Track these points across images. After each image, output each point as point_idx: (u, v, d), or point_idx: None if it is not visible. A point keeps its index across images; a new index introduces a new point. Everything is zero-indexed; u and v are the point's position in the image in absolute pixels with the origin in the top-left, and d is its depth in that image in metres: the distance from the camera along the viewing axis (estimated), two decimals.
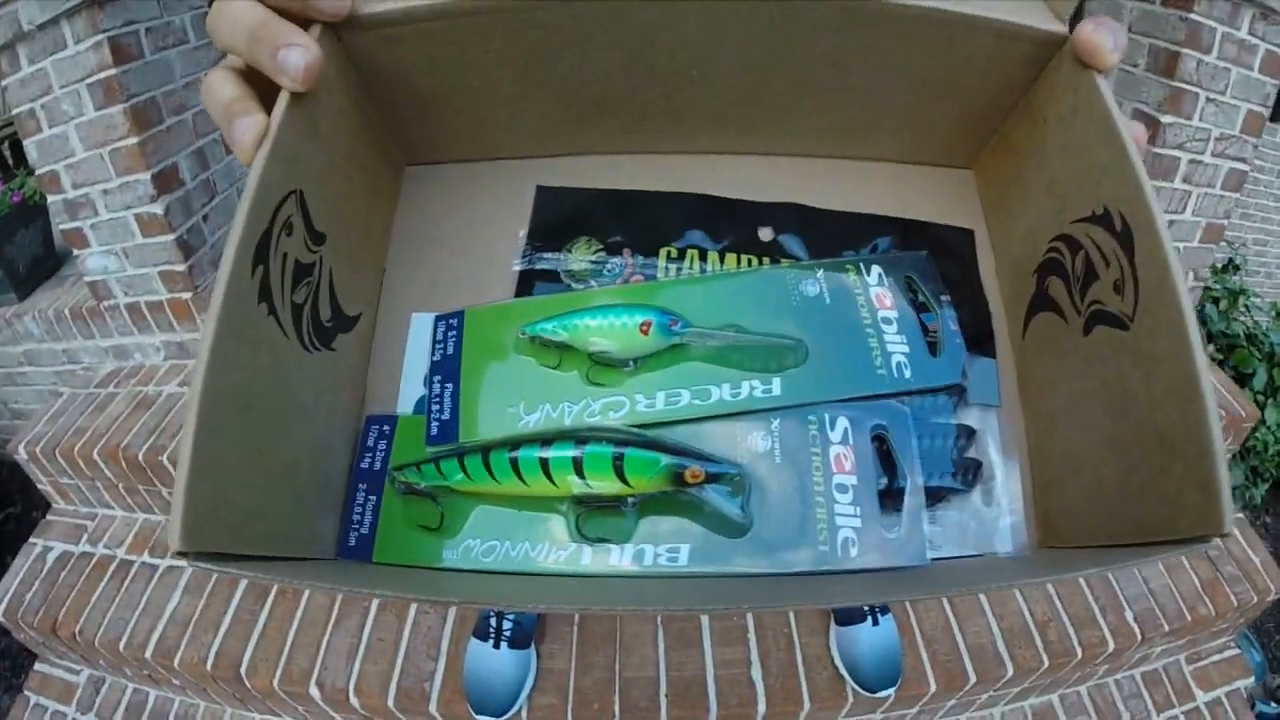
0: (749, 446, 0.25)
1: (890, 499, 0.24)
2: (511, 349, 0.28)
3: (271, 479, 0.23)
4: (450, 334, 0.28)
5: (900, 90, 0.29)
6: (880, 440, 0.25)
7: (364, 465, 0.27)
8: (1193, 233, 1.46)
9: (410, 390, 0.28)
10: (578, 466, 0.24)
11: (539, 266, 0.30)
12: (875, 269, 0.28)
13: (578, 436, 0.24)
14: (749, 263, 0.30)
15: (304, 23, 0.24)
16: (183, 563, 0.39)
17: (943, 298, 0.28)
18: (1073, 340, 0.25)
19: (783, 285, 0.28)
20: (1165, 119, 1.31)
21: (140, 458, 1.27)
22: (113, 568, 1.32)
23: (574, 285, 0.29)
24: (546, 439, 0.25)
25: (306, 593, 1.21)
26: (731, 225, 0.31)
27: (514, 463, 0.24)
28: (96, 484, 1.38)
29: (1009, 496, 0.26)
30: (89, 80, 1.23)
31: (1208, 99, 1.32)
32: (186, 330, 1.47)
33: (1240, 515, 1.40)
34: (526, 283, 0.30)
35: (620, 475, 0.23)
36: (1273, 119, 3.28)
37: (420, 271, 0.30)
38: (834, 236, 0.31)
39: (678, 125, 0.30)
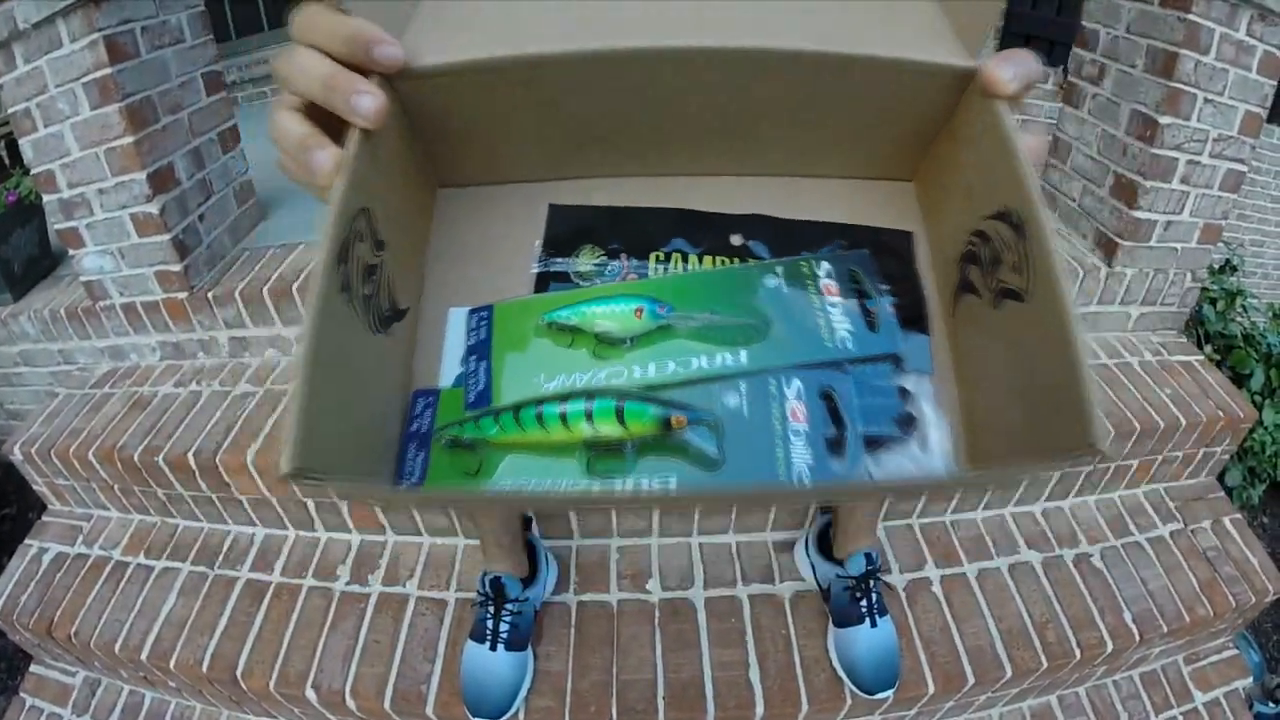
0: (723, 403, 0.31)
1: (837, 445, 0.31)
2: (533, 334, 0.34)
3: (348, 433, 0.28)
4: (482, 323, 0.35)
5: (845, 119, 0.35)
6: (829, 399, 0.32)
7: (413, 429, 0.33)
8: (1190, 233, 1.45)
9: (450, 369, 0.35)
10: (589, 416, 0.30)
11: (552, 270, 0.37)
12: (825, 265, 0.36)
13: (588, 394, 0.31)
14: (722, 263, 0.37)
15: (363, 72, 0.29)
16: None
17: (881, 287, 0.35)
18: (987, 314, 0.32)
19: (749, 279, 0.35)
20: (1163, 119, 1.30)
21: (136, 459, 1.26)
22: (108, 569, 1.32)
23: (581, 284, 0.36)
24: (563, 397, 0.31)
25: (302, 594, 1.21)
26: (708, 233, 0.38)
27: (539, 416, 0.31)
28: (92, 485, 1.37)
29: (940, 443, 0.32)
30: (85, 79, 1.22)
31: (1206, 100, 1.32)
32: (182, 331, 1.46)
33: (1238, 515, 1.40)
34: (542, 283, 0.37)
35: (621, 421, 0.30)
36: (1270, 120, 3.31)
37: (454, 274, 0.37)
38: (793, 240, 0.37)
39: (663, 153, 0.38)
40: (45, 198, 1.37)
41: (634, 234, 0.38)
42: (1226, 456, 1.44)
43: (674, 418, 0.30)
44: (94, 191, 1.32)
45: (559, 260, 0.37)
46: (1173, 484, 1.43)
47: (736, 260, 0.37)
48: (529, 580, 1.07)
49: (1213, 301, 2.04)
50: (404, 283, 0.34)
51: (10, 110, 1.30)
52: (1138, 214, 1.38)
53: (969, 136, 0.33)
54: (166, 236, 1.34)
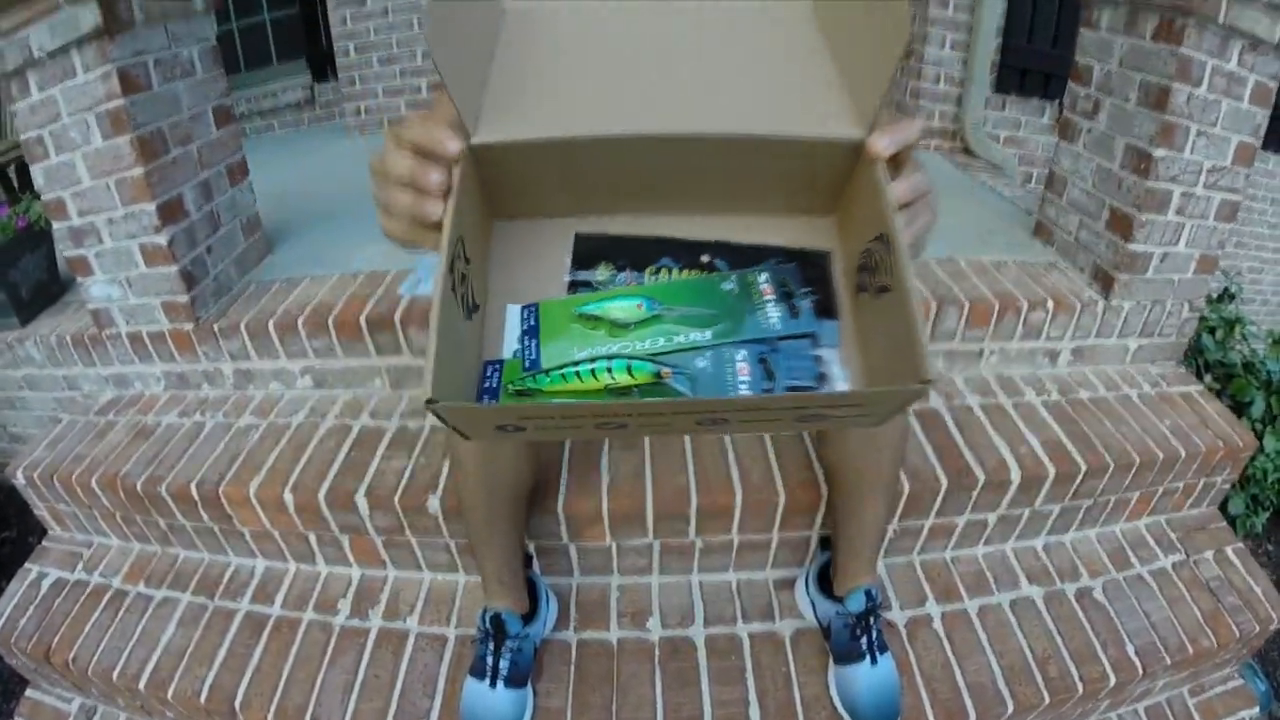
0: (694, 364, 0.48)
1: (770, 392, 0.47)
2: (568, 321, 0.51)
3: (455, 382, 0.44)
4: (531, 315, 0.52)
5: (781, 174, 0.52)
6: (764, 362, 0.49)
7: (485, 386, 0.48)
8: (1187, 264, 1.46)
9: (509, 346, 0.51)
10: (609, 370, 0.47)
11: (578, 279, 0.54)
12: (764, 274, 0.52)
13: (608, 357, 0.48)
14: (695, 274, 0.54)
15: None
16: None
17: (804, 289, 0.52)
18: (872, 303, 0.48)
19: (712, 284, 0.52)
20: (1157, 152, 1.32)
21: (139, 487, 1.26)
22: (108, 596, 1.31)
23: (599, 288, 0.53)
24: (591, 360, 0.48)
25: (302, 628, 1.21)
26: (685, 254, 0.55)
27: (576, 373, 0.47)
28: (94, 512, 1.38)
29: (842, 389, 0.48)
30: (97, 109, 1.24)
31: (1199, 131, 1.33)
32: (187, 362, 1.47)
33: (1241, 545, 1.39)
34: (572, 287, 0.53)
35: (629, 373, 0.47)
36: (1265, 147, 3.34)
37: (510, 282, 0.53)
38: (744, 259, 0.54)
39: (653, 199, 0.55)
40: (55, 225, 1.39)
41: (634, 254, 0.55)
42: (1228, 486, 1.44)
43: (663, 370, 0.47)
44: (104, 220, 1.34)
45: (583, 272, 0.54)
46: (1174, 515, 1.42)
47: (704, 272, 0.54)
48: (529, 617, 1.07)
49: (1211, 331, 2.04)
50: (480, 285, 0.51)
51: (23, 136, 1.33)
52: (1134, 247, 1.39)
53: (861, 184, 0.50)
54: (174, 268, 1.35)
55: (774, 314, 0.50)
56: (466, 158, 0.47)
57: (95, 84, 1.22)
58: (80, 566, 1.39)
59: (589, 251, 0.54)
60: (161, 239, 1.32)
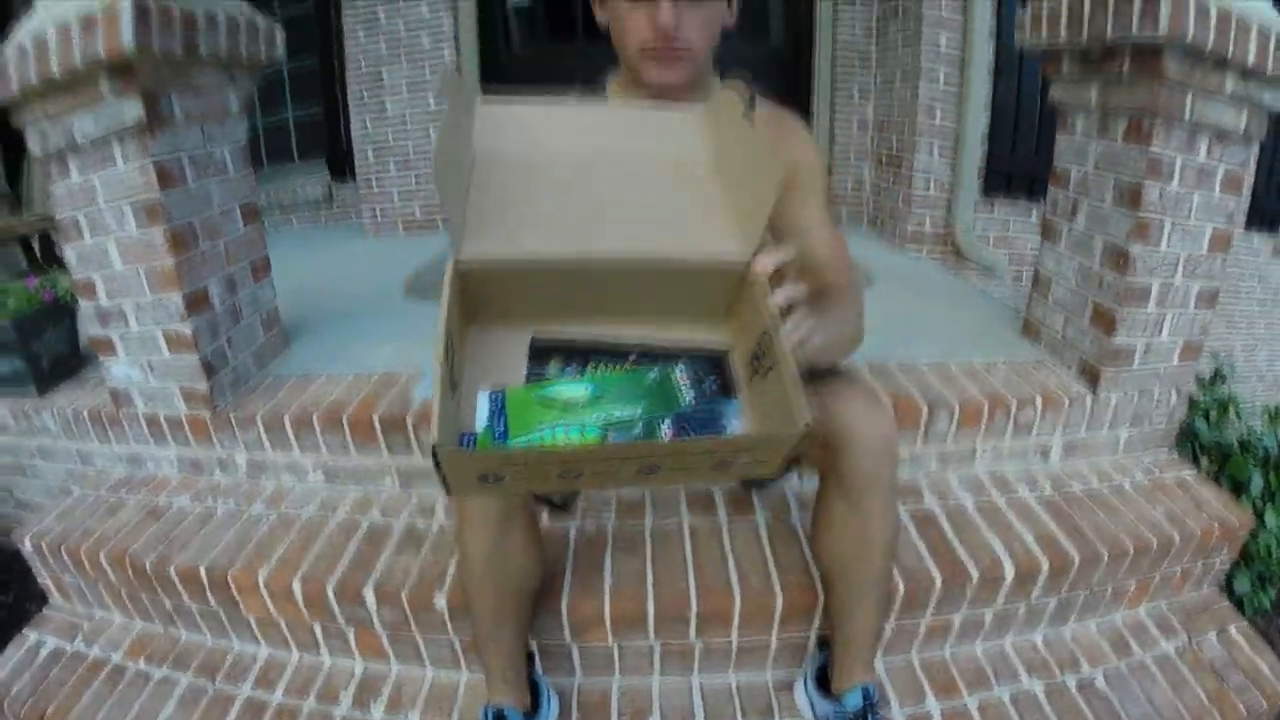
0: (631, 432, 0.62)
1: None
2: (530, 403, 0.63)
3: (450, 442, 0.58)
4: (498, 399, 0.64)
5: (689, 289, 0.70)
6: (684, 428, 0.63)
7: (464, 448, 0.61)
8: (1171, 353, 1.51)
9: (481, 422, 0.63)
10: (566, 433, 0.61)
11: (534, 371, 0.68)
12: (680, 366, 0.68)
13: (565, 425, 0.62)
14: (627, 368, 0.69)
15: None
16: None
17: (710, 377, 0.68)
18: (762, 380, 0.64)
19: (641, 375, 0.67)
20: (1134, 249, 1.38)
21: (148, 567, 1.28)
22: (107, 670, 1.30)
23: (551, 378, 0.67)
24: (550, 429, 0.62)
25: (302, 717, 1.19)
26: (617, 354, 0.70)
27: (541, 437, 0.61)
28: (99, 585, 1.38)
29: None
30: (134, 199, 1.32)
31: (1173, 225, 1.40)
32: (202, 448, 1.50)
33: (1244, 623, 1.38)
34: (529, 379, 0.68)
35: (581, 434, 0.61)
36: (1248, 226, 3.44)
37: (480, 370, 0.67)
38: (665, 356, 0.70)
39: (593, 309, 0.70)
40: (82, 303, 1.45)
41: (579, 354, 0.69)
42: (1226, 566, 1.45)
43: (608, 433, 0.61)
44: (131, 305, 1.40)
45: (537, 367, 0.69)
46: (1174, 599, 1.42)
47: (633, 367, 0.69)
48: (531, 715, 1.06)
49: (1205, 414, 2.06)
50: (458, 370, 0.64)
51: (59, 216, 1.40)
52: (1117, 341, 1.44)
53: (750, 294, 0.67)
54: (196, 356, 1.40)
55: (689, 395, 0.67)
56: (453, 271, 0.62)
57: (134, 175, 1.30)
58: (80, 638, 1.38)
59: (542, 350, 0.70)
60: (186, 328, 1.37)
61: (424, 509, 1.38)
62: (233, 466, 1.50)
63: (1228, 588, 1.52)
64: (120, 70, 1.21)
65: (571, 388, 0.64)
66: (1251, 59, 1.28)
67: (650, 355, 0.69)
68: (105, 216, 1.35)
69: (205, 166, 1.42)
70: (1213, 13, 1.23)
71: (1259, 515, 1.60)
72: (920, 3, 2.50)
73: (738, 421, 0.66)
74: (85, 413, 1.57)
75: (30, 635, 1.40)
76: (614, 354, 0.69)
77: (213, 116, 1.43)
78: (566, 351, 0.69)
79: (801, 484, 1.38)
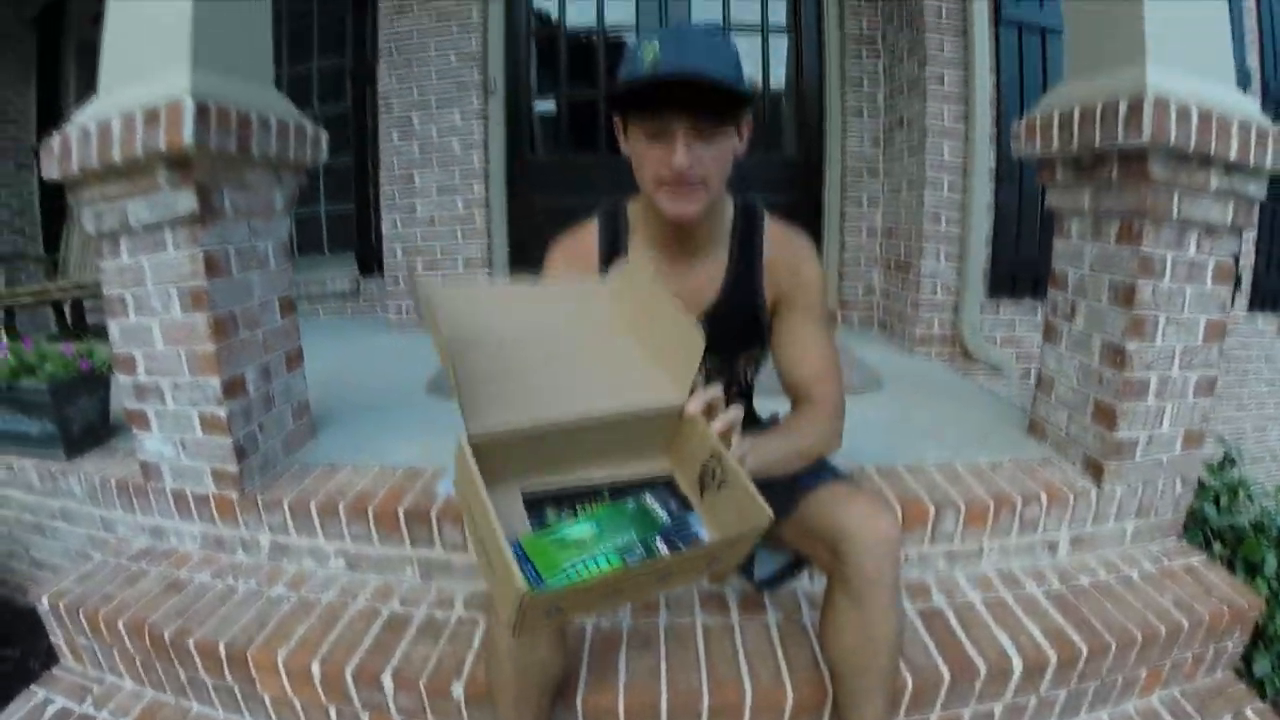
0: (637, 552, 0.74)
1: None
2: (547, 548, 0.73)
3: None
4: (518, 549, 0.71)
5: (642, 432, 0.84)
6: (671, 541, 0.76)
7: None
8: (1173, 443, 1.53)
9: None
10: (596, 565, 0.72)
11: (535, 520, 0.80)
12: (648, 495, 0.83)
13: (591, 558, 0.72)
14: (608, 503, 0.81)
15: None
16: None
17: (671, 499, 0.84)
18: (713, 495, 0.80)
19: (622, 507, 0.81)
20: (1130, 345, 1.43)
21: (167, 638, 1.30)
22: None
23: (552, 523, 0.79)
24: (581, 563, 0.72)
25: None
26: (593, 493, 0.83)
27: (576, 572, 0.70)
28: (114, 651, 1.40)
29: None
30: (180, 285, 1.39)
31: (1168, 319, 1.44)
32: (227, 527, 1.53)
33: (1260, 704, 1.36)
34: (535, 527, 0.79)
35: (608, 563, 0.72)
36: (1251, 308, 3.49)
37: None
38: (631, 488, 0.84)
39: (567, 463, 0.83)
40: (122, 378, 1.51)
41: (566, 498, 0.82)
42: (1240, 649, 1.44)
43: (625, 558, 0.71)
44: (169, 384, 1.46)
45: (536, 515, 0.80)
46: (1188, 685, 1.40)
47: (611, 501, 0.82)
48: None
49: (1215, 499, 2.06)
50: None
51: (106, 292, 1.47)
52: (1119, 435, 1.47)
53: (686, 429, 0.83)
54: (229, 439, 1.45)
55: (663, 514, 0.81)
56: (469, 446, 0.73)
57: (182, 262, 1.38)
58: (89, 701, 1.39)
59: (534, 502, 0.82)
60: (221, 411, 1.43)
61: (443, 601, 1.39)
62: (256, 547, 1.53)
63: (1247, 671, 1.51)
64: (178, 164, 1.31)
65: (576, 529, 0.76)
66: (1234, 154, 1.34)
67: (619, 489, 0.84)
68: (151, 298, 1.42)
69: (249, 259, 1.50)
70: (1194, 115, 1.30)
71: (1275, 596, 1.59)
72: (924, 114, 2.63)
73: (703, 529, 0.80)
74: (113, 481, 1.61)
75: (39, 692, 1.41)
76: (591, 493, 0.83)
77: (259, 212, 1.52)
78: (555, 499, 0.82)
79: (812, 584, 1.39)
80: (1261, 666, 1.75)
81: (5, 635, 1.93)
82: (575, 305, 0.94)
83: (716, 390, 0.85)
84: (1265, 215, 3.43)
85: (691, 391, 0.84)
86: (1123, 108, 1.33)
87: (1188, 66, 1.37)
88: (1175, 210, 1.38)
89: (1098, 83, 1.44)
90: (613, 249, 1.08)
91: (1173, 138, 1.29)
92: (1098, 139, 1.39)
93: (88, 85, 4.31)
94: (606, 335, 0.90)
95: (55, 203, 4.41)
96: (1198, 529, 1.75)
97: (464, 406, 0.75)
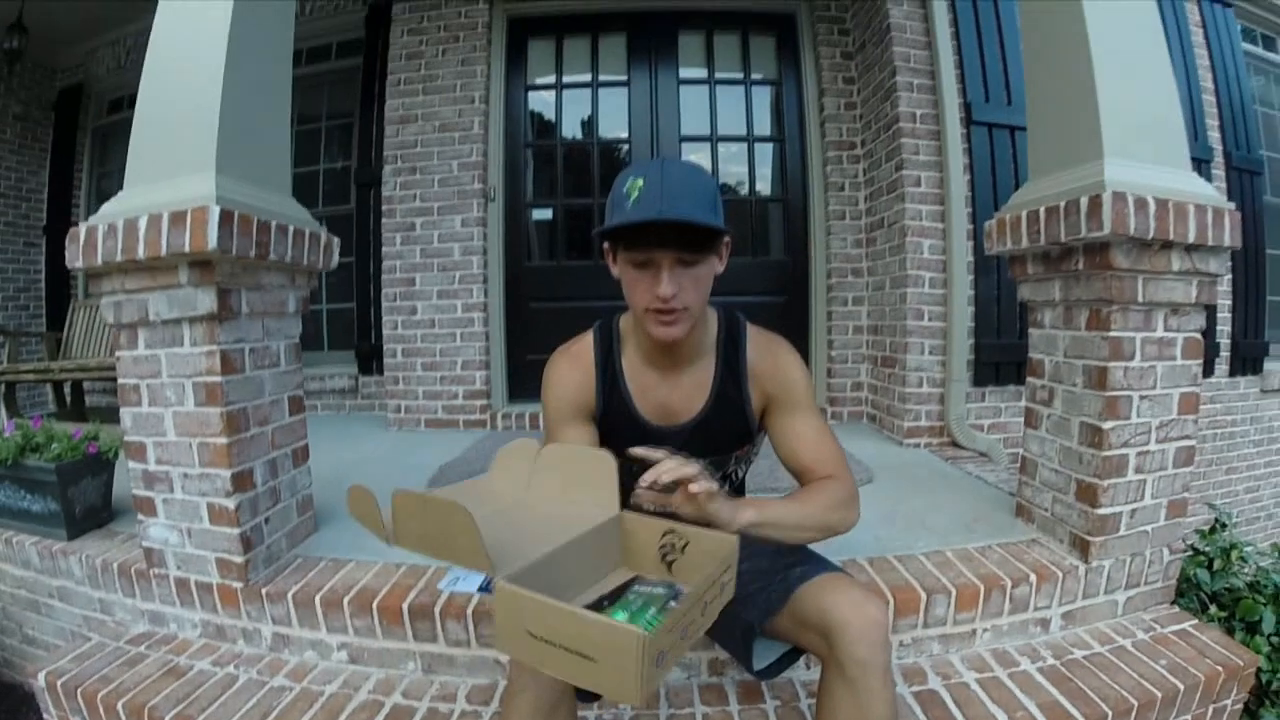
0: (654, 613, 0.85)
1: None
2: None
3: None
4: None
5: (605, 553, 0.97)
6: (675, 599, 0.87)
7: None
8: (1156, 514, 1.58)
9: None
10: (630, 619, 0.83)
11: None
12: (635, 586, 0.92)
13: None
14: (623, 601, 0.89)
15: None
16: None
17: (655, 584, 0.92)
18: (681, 559, 0.93)
19: (635, 598, 0.89)
20: (1106, 425, 1.49)
21: None
22: None
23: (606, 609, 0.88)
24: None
25: None
26: (599, 604, 0.88)
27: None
28: None
29: None
30: (195, 379, 1.44)
31: (1141, 396, 1.51)
32: (228, 616, 1.54)
33: None
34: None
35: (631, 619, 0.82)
36: (1232, 373, 3.57)
37: None
38: (624, 588, 0.93)
39: (568, 594, 0.88)
40: (131, 464, 1.54)
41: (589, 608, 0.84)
42: (1240, 706, 1.44)
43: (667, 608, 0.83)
44: (179, 474, 1.49)
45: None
46: None
47: (625, 597, 0.89)
48: None
49: (1208, 563, 2.08)
50: None
51: (120, 381, 1.52)
52: (1101, 511, 1.51)
53: (629, 529, 0.97)
54: (236, 530, 1.48)
55: (659, 589, 0.89)
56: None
57: (198, 358, 1.44)
58: None
59: (596, 601, 0.91)
60: (230, 503, 1.46)
61: (446, 695, 1.40)
62: (258, 638, 1.54)
63: None
64: (201, 264, 1.38)
65: (615, 615, 0.86)
66: (1193, 236, 1.44)
67: (614, 595, 0.92)
68: (166, 389, 1.47)
69: (262, 357, 1.56)
70: (1151, 203, 1.39)
71: (1277, 651, 1.60)
72: (903, 214, 2.77)
73: (685, 588, 0.89)
74: (115, 565, 1.63)
75: None
76: (596, 605, 0.89)
77: (273, 313, 1.59)
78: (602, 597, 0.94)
79: (809, 669, 1.41)
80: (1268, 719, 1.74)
81: None
82: (518, 481, 1.05)
83: (661, 470, 0.92)
84: (1239, 283, 3.56)
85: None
86: (1084, 203, 1.42)
87: (1144, 158, 1.48)
88: (1140, 294, 1.47)
89: (1060, 180, 1.55)
90: (607, 360, 1.17)
91: (1132, 227, 1.38)
92: (1063, 233, 1.48)
93: (100, 168, 4.53)
94: (547, 495, 1.02)
95: (58, 282, 4.52)
96: (1192, 594, 1.77)
97: (494, 563, 0.83)
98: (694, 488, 0.91)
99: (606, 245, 1.09)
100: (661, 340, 1.06)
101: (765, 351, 1.17)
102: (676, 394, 1.16)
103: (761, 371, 1.15)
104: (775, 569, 1.13)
